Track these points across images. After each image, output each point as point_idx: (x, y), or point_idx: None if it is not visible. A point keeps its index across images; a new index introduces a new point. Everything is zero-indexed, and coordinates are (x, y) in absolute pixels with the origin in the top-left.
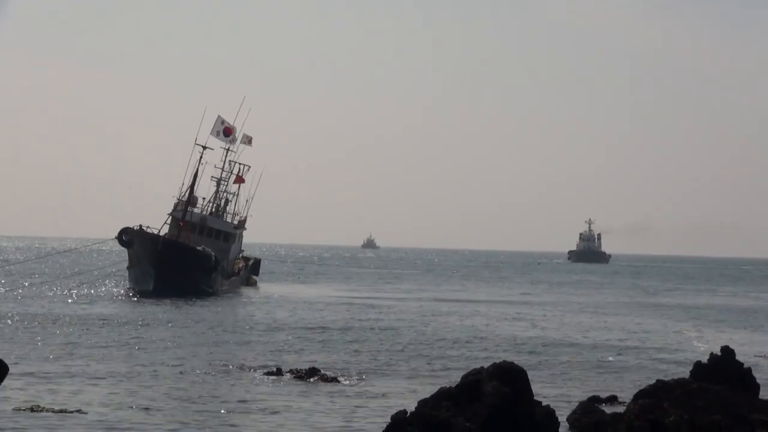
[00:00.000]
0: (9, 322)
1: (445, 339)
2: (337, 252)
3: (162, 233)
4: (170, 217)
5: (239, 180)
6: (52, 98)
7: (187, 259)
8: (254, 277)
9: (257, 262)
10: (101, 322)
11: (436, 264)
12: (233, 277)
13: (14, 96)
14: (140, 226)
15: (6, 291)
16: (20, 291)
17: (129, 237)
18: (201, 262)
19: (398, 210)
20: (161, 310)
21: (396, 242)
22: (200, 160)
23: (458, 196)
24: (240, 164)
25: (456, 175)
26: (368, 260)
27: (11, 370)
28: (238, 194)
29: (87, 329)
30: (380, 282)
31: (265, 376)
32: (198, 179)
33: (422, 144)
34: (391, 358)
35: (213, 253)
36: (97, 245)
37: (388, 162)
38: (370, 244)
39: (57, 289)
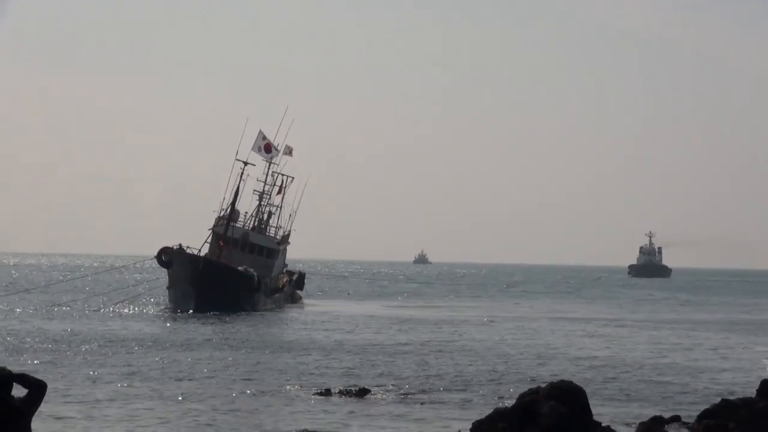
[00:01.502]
0: (52, 343)
1: (507, 356)
2: (387, 268)
3: (202, 250)
4: (211, 233)
5: (281, 191)
6: (87, 109)
7: (228, 280)
8: (299, 293)
9: (301, 277)
10: (143, 343)
11: (489, 279)
12: (276, 294)
13: (48, 106)
14: (180, 245)
15: (47, 310)
16: (61, 309)
17: (168, 257)
18: (243, 283)
19: (450, 224)
20: (204, 331)
21: (448, 257)
22: (241, 175)
23: (511, 209)
24: (283, 175)
25: (509, 188)
26: (420, 276)
27: (61, 396)
28: (281, 207)
29: (128, 351)
30: (434, 298)
31: (314, 396)
32: (239, 194)
33: (475, 157)
34: (447, 378)
35: (255, 274)
36: (137, 264)
37: (441, 174)
38: (421, 259)
39: (97, 308)
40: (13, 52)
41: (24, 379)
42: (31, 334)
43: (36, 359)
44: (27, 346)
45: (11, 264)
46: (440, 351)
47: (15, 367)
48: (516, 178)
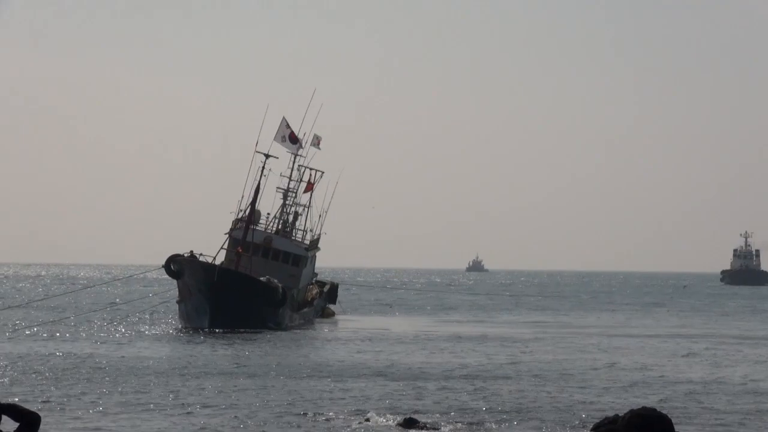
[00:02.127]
0: (48, 368)
1: (583, 379)
2: (436, 277)
3: (218, 258)
4: (228, 238)
5: (309, 188)
6: (81, 96)
7: (248, 292)
8: (331, 307)
9: (334, 288)
10: (153, 367)
11: (557, 287)
12: (305, 309)
13: (37, 97)
14: (191, 252)
15: (39, 328)
16: (55, 328)
17: (178, 266)
18: (265, 296)
19: (507, 226)
20: (223, 353)
21: (507, 264)
22: (262, 170)
23: (579, 210)
24: (311, 170)
25: (576, 187)
26: (475, 285)
27: (64, 425)
28: (309, 207)
29: (136, 377)
30: (496, 311)
31: (356, 427)
32: (261, 193)
33: (535, 153)
34: (509, 406)
35: (280, 285)
36: (141, 274)
37: (497, 170)
38: (476, 266)
39: (97, 326)
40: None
41: (13, 410)
42: (23, 357)
43: (28, 387)
44: (18, 371)
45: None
46: (503, 374)
47: (3, 397)
48: (584, 175)
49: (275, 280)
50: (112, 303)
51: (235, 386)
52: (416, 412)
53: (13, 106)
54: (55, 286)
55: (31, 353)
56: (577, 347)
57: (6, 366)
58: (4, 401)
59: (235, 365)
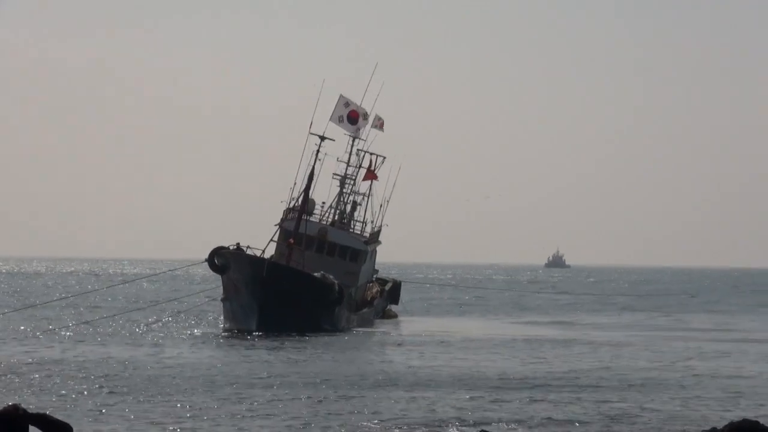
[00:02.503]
0: (82, 374)
1: (679, 388)
2: (512, 273)
3: (267, 252)
4: (278, 230)
5: (370, 176)
6: (120, 79)
7: (300, 290)
8: (393, 308)
9: (397, 287)
10: (196, 376)
11: (653, 284)
12: (364, 309)
13: (66, 75)
14: (238, 245)
15: (72, 329)
16: (90, 329)
17: (223, 260)
18: (320, 295)
19: (592, 219)
20: (273, 359)
21: (591, 259)
22: (317, 154)
23: (671, 202)
24: (371, 154)
25: (669, 175)
26: (557, 283)
27: None
28: (369, 196)
29: (176, 386)
30: (584, 313)
31: None
32: (315, 179)
33: (623, 136)
34: (594, 415)
35: (336, 282)
36: (182, 270)
37: (579, 155)
38: (556, 261)
39: (134, 327)
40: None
41: (43, 420)
42: (55, 362)
43: (59, 395)
44: (49, 377)
45: (35, 272)
46: (588, 383)
47: (32, 407)
48: (673, 164)
49: (331, 277)
50: (152, 301)
51: (288, 395)
52: (492, 423)
53: (55, 93)
54: (90, 283)
55: (63, 357)
56: (674, 351)
57: (36, 371)
58: (33, 411)
59: (287, 372)
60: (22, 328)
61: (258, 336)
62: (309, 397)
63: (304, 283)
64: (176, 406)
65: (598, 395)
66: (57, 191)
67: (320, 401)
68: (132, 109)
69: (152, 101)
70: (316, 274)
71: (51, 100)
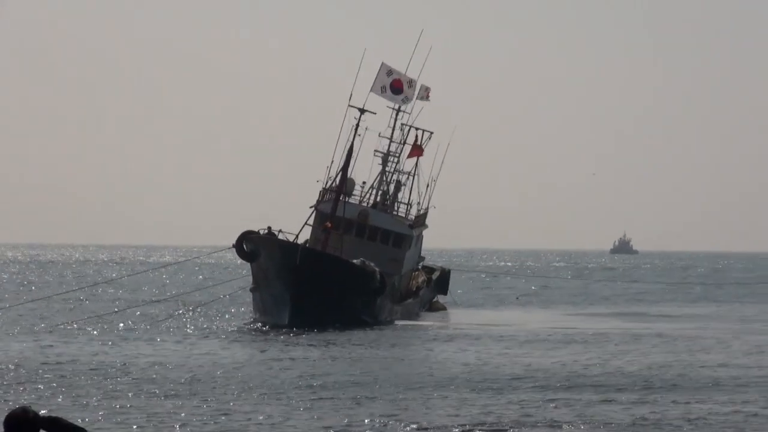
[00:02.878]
0: (100, 376)
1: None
2: (573, 260)
3: (301, 236)
4: (314, 212)
5: (416, 152)
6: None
7: (338, 278)
8: (441, 299)
9: (445, 275)
10: (224, 374)
11: (736, 272)
12: (409, 300)
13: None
14: (269, 229)
15: (89, 322)
16: (111, 323)
17: (252, 246)
18: (360, 283)
19: (662, 200)
20: (307, 356)
21: (661, 245)
22: (356, 128)
23: (747, 181)
24: (417, 129)
25: (746, 153)
26: (625, 271)
27: None
28: (415, 175)
29: (204, 384)
30: (658, 304)
31: None
32: (355, 157)
33: (695, 107)
34: (668, 416)
35: (377, 270)
36: (207, 256)
37: (644, 129)
38: (623, 247)
39: (155, 320)
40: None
41: (57, 425)
42: (71, 360)
43: (74, 397)
44: (63, 377)
45: (49, 260)
46: (662, 384)
47: (45, 410)
48: (753, 141)
49: (371, 264)
50: (173, 294)
51: (328, 396)
52: (562, 425)
53: (80, 69)
54: (108, 272)
55: (79, 354)
56: (758, 347)
57: (48, 371)
58: (45, 414)
59: (325, 370)
60: (32, 322)
61: (291, 330)
62: (352, 399)
63: (342, 271)
64: (203, 407)
65: (676, 395)
66: (77, 173)
67: (363, 403)
68: (159, 83)
69: (180, 75)
70: (355, 260)
71: (77, 76)
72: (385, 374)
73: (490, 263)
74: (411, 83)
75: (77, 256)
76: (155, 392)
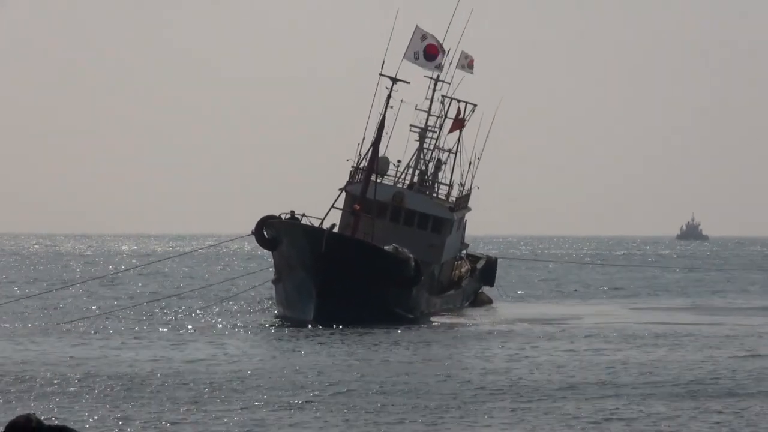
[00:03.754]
0: (110, 379)
1: None
2: (638, 246)
3: (329, 221)
4: (341, 195)
5: (458, 125)
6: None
7: (368, 266)
8: (486, 291)
9: (491, 264)
10: (243, 378)
11: None
12: (451, 291)
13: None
14: (292, 213)
15: (90, 321)
16: (118, 320)
17: (274, 232)
18: (393, 271)
19: (735, 180)
20: (339, 360)
21: (735, 230)
22: (387, 100)
23: None
24: (458, 101)
25: None
26: (697, 258)
27: None
28: (457, 153)
29: (220, 390)
30: (731, 294)
31: None
32: (390, 132)
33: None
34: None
35: (412, 256)
36: (224, 244)
37: (711, 104)
38: (692, 232)
39: (169, 316)
40: None
41: None
42: (77, 364)
43: (79, 404)
44: (63, 381)
45: (56, 252)
46: (726, 388)
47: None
48: None
49: (405, 250)
50: (188, 285)
51: (359, 407)
52: None
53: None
54: (103, 260)
55: (88, 355)
56: None
57: (47, 375)
58: (50, 423)
59: (357, 374)
60: (37, 320)
61: (316, 327)
62: (383, 409)
63: (372, 258)
64: (221, 416)
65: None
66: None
67: (403, 412)
68: (186, 56)
69: (203, 46)
70: (386, 246)
71: (85, 65)
72: (430, 380)
73: (541, 251)
74: (448, 53)
75: (92, 245)
76: (168, 398)
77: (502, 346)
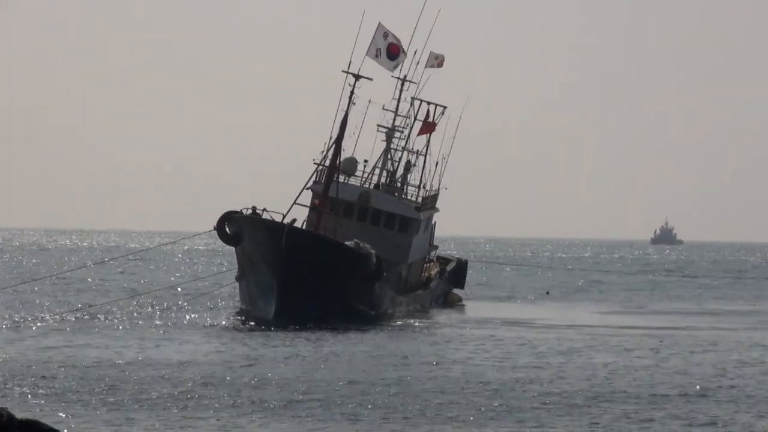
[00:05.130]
0: (74, 377)
1: None
2: (609, 250)
3: (293, 216)
4: (303, 193)
5: (428, 129)
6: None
7: (329, 261)
8: (456, 292)
9: (461, 267)
10: (203, 383)
11: None
12: (419, 291)
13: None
14: (253, 208)
15: (48, 320)
16: (74, 318)
17: (236, 227)
18: (354, 266)
19: (710, 184)
20: (295, 359)
21: (708, 234)
22: (351, 97)
23: None
24: (428, 103)
25: None
26: (669, 262)
27: None
28: (427, 154)
29: (176, 387)
30: (703, 299)
31: None
32: (358, 132)
33: (738, 87)
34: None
35: (373, 252)
36: (185, 240)
37: (684, 105)
38: (665, 236)
39: (126, 315)
40: None
41: (34, 428)
42: (39, 358)
43: (47, 399)
44: (31, 378)
45: (16, 244)
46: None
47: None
48: None
49: (366, 246)
50: (151, 283)
51: (314, 417)
52: None
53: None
54: (72, 260)
55: (49, 354)
56: None
57: (20, 370)
58: (23, 417)
59: (309, 377)
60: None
61: (278, 323)
62: (343, 416)
63: (333, 253)
64: (180, 413)
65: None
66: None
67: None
68: (139, 58)
69: (164, 50)
70: (348, 242)
71: (51, 55)
72: (392, 382)
73: (513, 253)
74: (415, 54)
75: (40, 240)
76: (133, 396)
77: (475, 343)
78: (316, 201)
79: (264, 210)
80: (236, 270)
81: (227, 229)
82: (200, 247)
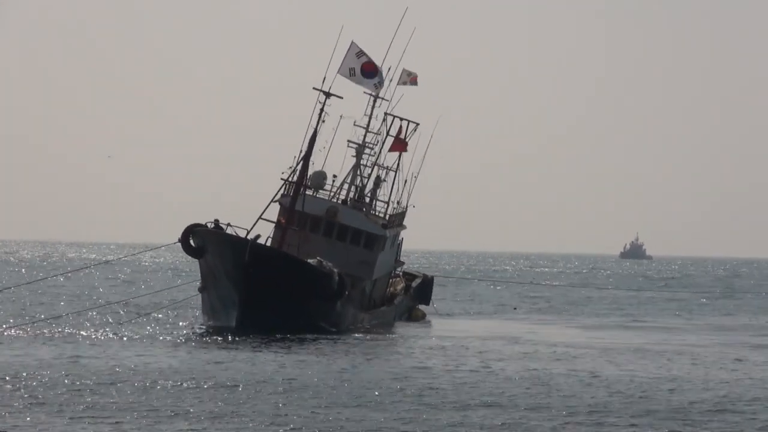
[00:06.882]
0: (38, 387)
1: None
2: (579, 264)
3: (258, 231)
4: (269, 207)
5: (400, 147)
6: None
7: (291, 278)
8: (421, 308)
9: (427, 283)
10: (165, 389)
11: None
12: (383, 307)
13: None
14: (216, 222)
15: (10, 326)
16: (35, 329)
17: (200, 241)
18: (316, 285)
19: (679, 199)
20: (260, 368)
21: (677, 249)
22: (321, 114)
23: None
24: (400, 119)
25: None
26: (638, 279)
27: None
28: (398, 170)
29: (150, 402)
30: (673, 315)
31: None
32: (328, 148)
33: (709, 105)
34: None
35: (336, 270)
36: (147, 252)
37: (654, 123)
38: (635, 251)
39: (90, 324)
40: None
41: None
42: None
43: (12, 408)
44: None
45: None
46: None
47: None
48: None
49: (329, 264)
50: (115, 294)
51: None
52: None
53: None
54: (33, 272)
55: (10, 362)
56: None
57: None
58: None
59: (282, 389)
60: None
61: (238, 336)
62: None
63: (295, 271)
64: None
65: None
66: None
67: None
68: (113, 64)
69: (138, 60)
70: (310, 260)
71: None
72: (364, 392)
73: (479, 268)
74: (389, 71)
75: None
76: (96, 404)
77: (439, 356)
78: (282, 217)
79: (228, 225)
80: (199, 282)
81: (191, 242)
82: (162, 260)
